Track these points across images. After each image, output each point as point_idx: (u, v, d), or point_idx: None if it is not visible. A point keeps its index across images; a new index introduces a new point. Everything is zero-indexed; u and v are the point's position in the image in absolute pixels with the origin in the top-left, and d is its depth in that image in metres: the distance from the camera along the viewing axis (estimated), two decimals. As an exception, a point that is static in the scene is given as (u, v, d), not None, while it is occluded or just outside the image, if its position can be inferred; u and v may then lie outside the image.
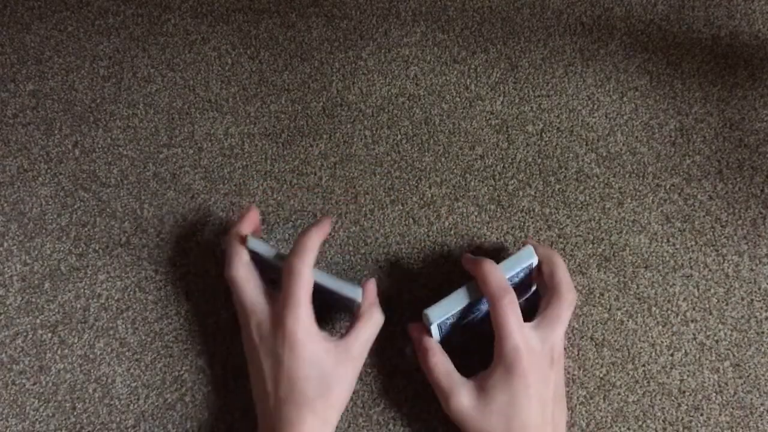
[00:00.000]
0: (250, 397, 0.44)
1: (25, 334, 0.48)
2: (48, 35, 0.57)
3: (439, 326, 0.43)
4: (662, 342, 0.48)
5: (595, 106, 0.54)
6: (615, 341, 0.48)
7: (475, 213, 0.51)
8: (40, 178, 0.52)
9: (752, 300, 0.49)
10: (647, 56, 0.56)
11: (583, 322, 0.48)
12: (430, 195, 0.52)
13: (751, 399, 0.46)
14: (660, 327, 0.48)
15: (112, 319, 0.49)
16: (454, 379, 0.42)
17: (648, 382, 0.47)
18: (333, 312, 0.49)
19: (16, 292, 0.49)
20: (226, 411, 0.46)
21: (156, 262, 0.50)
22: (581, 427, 0.46)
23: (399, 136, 0.54)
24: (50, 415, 0.46)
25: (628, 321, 0.48)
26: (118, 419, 0.46)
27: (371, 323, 0.44)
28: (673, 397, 0.46)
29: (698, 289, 0.49)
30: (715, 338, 0.48)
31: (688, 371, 0.47)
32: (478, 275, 0.42)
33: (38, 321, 0.49)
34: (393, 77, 0.56)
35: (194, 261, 0.50)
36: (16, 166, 0.53)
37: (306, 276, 0.41)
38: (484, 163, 0.53)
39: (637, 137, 0.53)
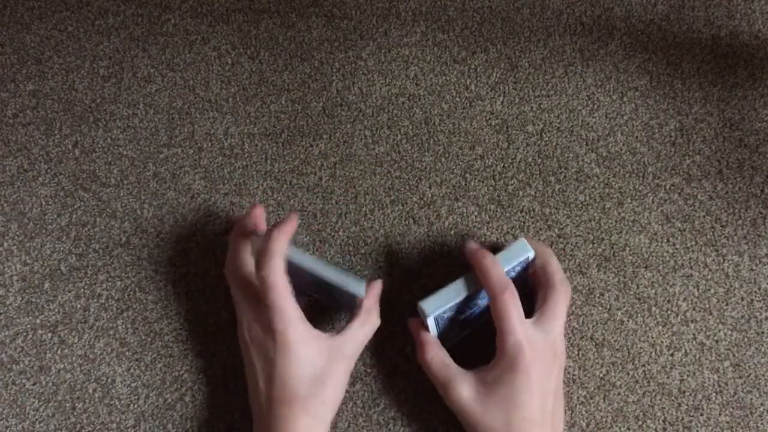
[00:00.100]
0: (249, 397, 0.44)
1: (25, 334, 0.48)
2: (48, 35, 0.57)
3: (436, 320, 0.43)
4: (662, 342, 0.48)
5: (595, 106, 0.54)
6: (615, 341, 0.48)
7: (475, 213, 0.51)
8: (40, 178, 0.52)
9: (752, 300, 0.49)
10: (647, 56, 0.56)
11: (583, 322, 0.48)
12: (430, 195, 0.52)
13: (751, 399, 0.46)
14: (660, 327, 0.48)
15: (112, 319, 0.49)
16: (451, 370, 0.42)
17: (648, 382, 0.47)
18: (333, 312, 0.49)
19: (16, 292, 0.49)
20: (226, 411, 0.46)
21: (156, 262, 0.50)
22: (581, 427, 0.46)
23: (399, 136, 0.54)
24: (50, 415, 0.46)
25: (628, 321, 0.48)
26: (118, 419, 0.46)
27: (368, 325, 0.44)
28: (673, 397, 0.46)
29: (698, 289, 0.49)
30: (715, 338, 0.48)
31: (688, 371, 0.47)
32: (479, 269, 0.42)
33: (38, 321, 0.49)
34: (393, 77, 0.56)
35: (194, 261, 0.50)
36: (16, 166, 0.53)
37: (279, 283, 0.40)
38: (484, 163, 0.53)
39: (637, 137, 0.53)
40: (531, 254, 0.44)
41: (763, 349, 0.47)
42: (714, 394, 0.46)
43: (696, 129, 0.54)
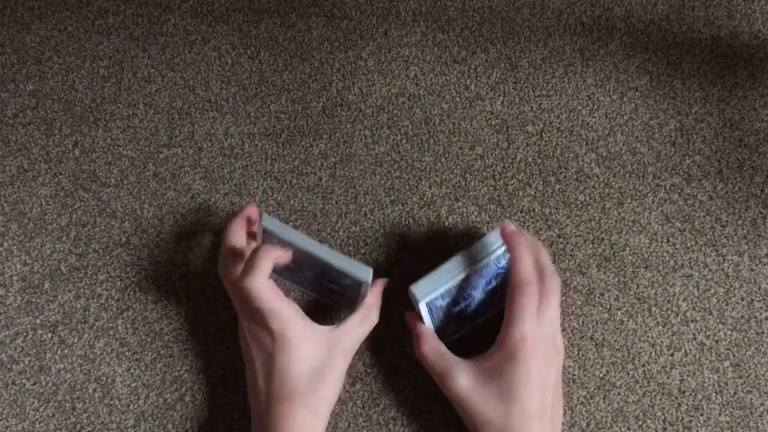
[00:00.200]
0: (250, 397, 0.44)
1: (25, 334, 0.48)
2: (48, 35, 0.57)
3: (430, 308, 0.43)
4: (662, 342, 0.48)
5: (595, 106, 0.54)
6: (615, 341, 0.48)
7: (475, 213, 0.51)
8: (40, 178, 0.52)
9: (752, 300, 0.49)
10: (647, 56, 0.56)
11: (583, 322, 0.48)
12: (430, 195, 0.52)
13: (751, 399, 0.46)
14: (660, 327, 0.48)
15: (112, 319, 0.49)
16: (448, 360, 0.42)
17: (648, 382, 0.47)
18: (333, 311, 0.49)
19: (16, 292, 0.49)
20: (226, 411, 0.46)
21: (156, 262, 0.50)
22: (581, 427, 0.46)
23: (399, 136, 0.54)
24: (50, 415, 0.46)
25: (628, 321, 0.48)
26: (118, 419, 0.46)
27: (367, 321, 0.44)
28: (673, 397, 0.46)
29: (698, 289, 0.49)
30: (715, 338, 0.48)
31: (688, 371, 0.47)
32: (513, 252, 0.42)
33: (38, 321, 0.49)
34: (393, 77, 0.56)
35: (194, 261, 0.50)
36: (16, 166, 0.53)
37: (264, 289, 0.40)
38: (484, 163, 0.53)
39: (637, 137, 0.53)
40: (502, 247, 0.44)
41: (763, 349, 0.47)
42: (714, 394, 0.46)
43: (696, 129, 0.54)
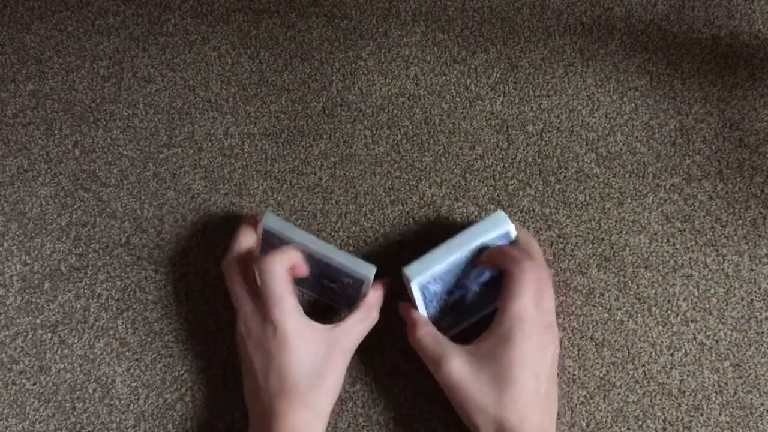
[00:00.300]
0: (250, 397, 0.44)
1: (25, 334, 0.48)
2: (48, 35, 0.57)
3: (423, 293, 0.43)
4: (662, 342, 0.48)
5: (595, 106, 0.54)
6: (615, 341, 0.48)
7: (475, 213, 0.51)
8: (40, 178, 0.52)
9: (752, 300, 0.49)
10: (647, 56, 0.56)
11: (583, 322, 0.48)
12: (430, 195, 0.52)
13: (751, 399, 0.46)
14: (660, 327, 0.48)
15: (112, 319, 0.49)
16: (443, 346, 0.41)
17: (648, 382, 0.47)
18: (333, 312, 0.49)
19: (16, 292, 0.49)
20: (226, 411, 0.46)
21: (156, 262, 0.50)
22: (581, 427, 0.46)
23: (399, 136, 0.54)
24: (50, 415, 0.46)
25: (628, 321, 0.48)
26: (118, 419, 0.46)
27: (367, 320, 0.44)
28: (673, 397, 0.46)
29: (698, 289, 0.49)
30: (715, 338, 0.48)
31: (688, 371, 0.47)
32: (498, 248, 0.43)
33: (38, 321, 0.49)
34: (393, 77, 0.56)
35: (194, 261, 0.50)
36: (16, 166, 0.53)
37: (279, 271, 0.41)
38: (484, 163, 0.53)
39: (637, 137, 0.53)
40: (510, 228, 0.45)
41: (763, 349, 0.47)
42: (714, 394, 0.46)
43: (696, 129, 0.54)
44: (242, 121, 0.54)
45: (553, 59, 0.56)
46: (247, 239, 0.46)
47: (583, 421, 0.46)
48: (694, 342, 0.48)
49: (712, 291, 0.49)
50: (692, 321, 0.48)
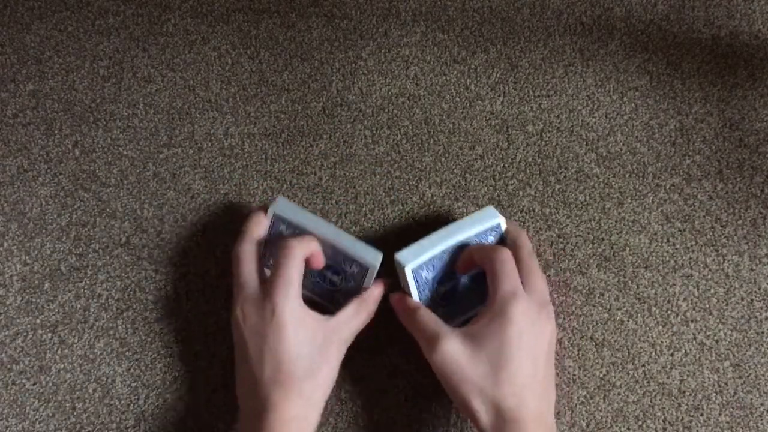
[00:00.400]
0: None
1: (25, 334, 0.48)
2: (48, 35, 0.57)
3: (416, 279, 0.43)
4: (662, 342, 0.48)
5: (595, 106, 0.54)
6: (615, 341, 0.48)
7: (475, 213, 0.51)
8: (40, 178, 0.52)
9: (752, 300, 0.49)
10: (647, 56, 0.56)
11: (583, 322, 0.48)
12: (430, 195, 0.52)
13: (751, 399, 0.46)
14: (660, 327, 0.48)
15: (112, 319, 0.49)
16: (439, 325, 0.41)
17: (648, 382, 0.47)
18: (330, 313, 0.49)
19: (16, 292, 0.49)
20: (226, 411, 0.46)
21: (156, 262, 0.50)
22: (581, 427, 0.46)
23: (399, 136, 0.54)
24: (50, 415, 0.46)
25: (628, 321, 0.48)
26: (118, 419, 0.46)
27: (364, 312, 0.44)
28: (673, 397, 0.46)
29: (698, 289, 0.49)
30: (715, 338, 0.48)
31: (688, 371, 0.47)
32: (477, 247, 0.43)
33: (38, 321, 0.49)
34: (393, 77, 0.56)
35: (194, 261, 0.50)
36: (16, 166, 0.53)
37: (298, 255, 0.42)
38: (484, 163, 0.53)
39: (637, 137, 0.53)
40: (500, 221, 0.45)
41: (763, 349, 0.47)
42: (714, 394, 0.46)
43: (696, 129, 0.54)
44: (242, 121, 0.54)
45: (553, 59, 0.56)
46: (259, 227, 0.46)
47: (583, 421, 0.46)
48: (694, 342, 0.48)
49: (712, 291, 0.49)
50: (692, 321, 0.48)
